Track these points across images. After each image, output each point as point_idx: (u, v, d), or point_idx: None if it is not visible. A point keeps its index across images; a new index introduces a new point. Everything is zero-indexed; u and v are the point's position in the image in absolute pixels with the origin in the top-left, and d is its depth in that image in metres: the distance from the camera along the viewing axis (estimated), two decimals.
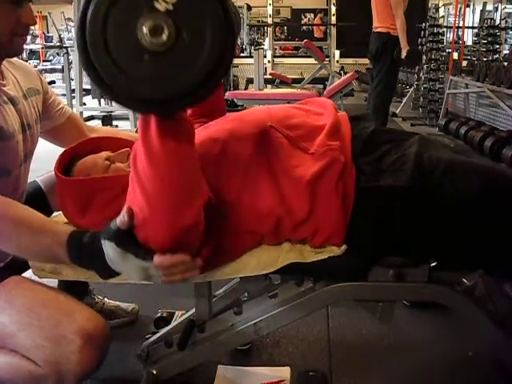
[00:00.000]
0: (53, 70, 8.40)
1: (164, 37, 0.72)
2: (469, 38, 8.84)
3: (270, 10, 9.62)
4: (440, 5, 10.51)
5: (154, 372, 1.24)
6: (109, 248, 0.94)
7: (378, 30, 4.24)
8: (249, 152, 1.07)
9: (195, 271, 0.96)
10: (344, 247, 1.06)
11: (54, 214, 1.37)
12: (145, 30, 0.72)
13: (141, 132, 0.88)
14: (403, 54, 4.14)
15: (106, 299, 1.74)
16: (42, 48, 9.73)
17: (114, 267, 0.96)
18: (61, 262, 1.05)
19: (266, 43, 10.30)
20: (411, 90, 6.94)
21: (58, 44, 9.25)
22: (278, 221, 1.06)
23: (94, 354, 1.04)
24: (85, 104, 5.64)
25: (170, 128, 0.87)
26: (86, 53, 0.74)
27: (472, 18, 9.57)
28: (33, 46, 9.93)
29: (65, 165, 1.20)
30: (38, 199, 1.38)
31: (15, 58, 1.27)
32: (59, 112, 1.41)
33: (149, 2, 0.71)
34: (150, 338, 1.35)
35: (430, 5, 10.32)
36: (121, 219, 0.92)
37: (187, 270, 0.95)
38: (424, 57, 6.10)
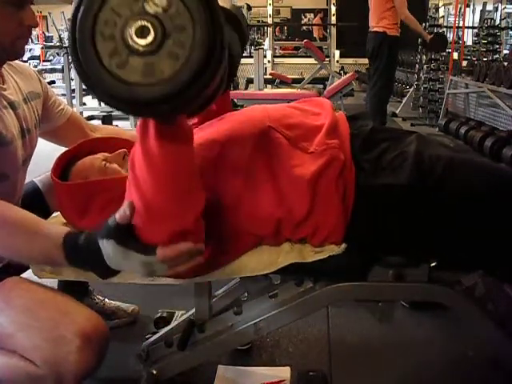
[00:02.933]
0: (53, 70, 8.40)
1: (150, 38, 0.72)
2: (469, 38, 8.84)
3: (270, 9, 9.61)
4: (440, 5, 10.50)
5: (154, 372, 1.24)
6: (108, 247, 0.90)
7: (375, 29, 4.24)
8: (248, 153, 1.06)
9: (200, 257, 0.91)
10: (344, 246, 1.06)
11: (54, 214, 1.37)
12: (132, 30, 0.72)
13: (139, 135, 0.87)
14: (428, 43, 4.19)
15: (106, 300, 1.74)
16: (42, 48, 9.72)
17: (115, 266, 0.93)
18: (58, 265, 1.03)
19: (266, 43, 10.30)
20: (411, 90, 6.94)
21: (58, 44, 9.24)
22: (278, 222, 1.06)
23: (93, 355, 1.04)
24: (85, 104, 5.65)
25: (168, 132, 0.86)
26: (75, 50, 0.74)
27: (472, 18, 9.57)
28: (33, 46, 9.93)
29: (62, 168, 1.19)
30: (36, 200, 1.37)
31: (16, 61, 1.27)
32: (59, 113, 1.41)
33: (140, 3, 0.72)
34: (150, 337, 1.35)
35: (430, 5, 10.31)
36: (121, 214, 0.89)
37: (192, 257, 0.91)
38: (424, 57, 6.10)
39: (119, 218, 0.89)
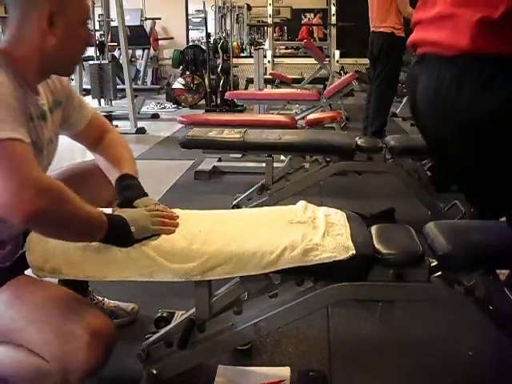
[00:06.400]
0: None
1: None
2: None
3: (270, 9, 9.60)
4: None
5: (154, 372, 1.24)
6: None
7: (381, 29, 4.15)
8: None
9: None
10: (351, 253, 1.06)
11: None
12: None
13: None
14: None
15: (105, 299, 1.74)
16: None
17: None
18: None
19: (266, 43, 10.30)
20: None
21: None
22: None
23: (101, 351, 1.07)
24: None
25: None
26: None
27: None
28: None
29: None
30: None
31: None
32: (79, 117, 1.41)
33: None
34: (149, 337, 1.35)
35: None
36: None
37: None
38: None
39: None
